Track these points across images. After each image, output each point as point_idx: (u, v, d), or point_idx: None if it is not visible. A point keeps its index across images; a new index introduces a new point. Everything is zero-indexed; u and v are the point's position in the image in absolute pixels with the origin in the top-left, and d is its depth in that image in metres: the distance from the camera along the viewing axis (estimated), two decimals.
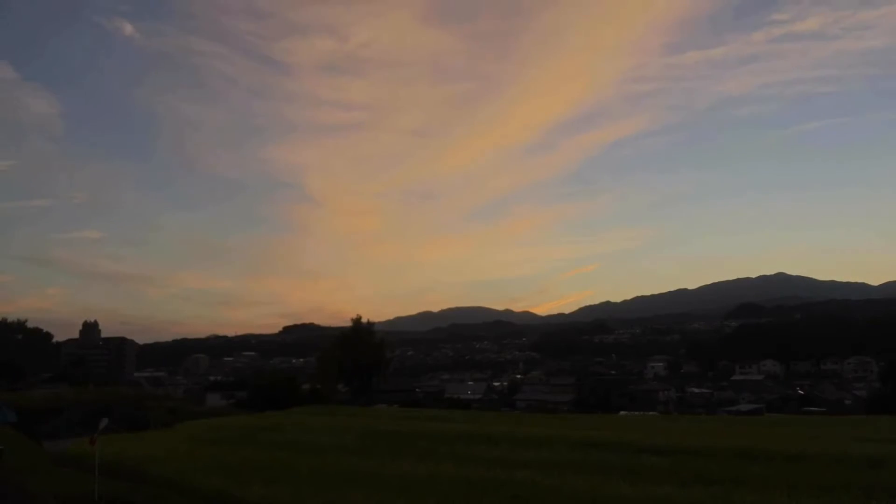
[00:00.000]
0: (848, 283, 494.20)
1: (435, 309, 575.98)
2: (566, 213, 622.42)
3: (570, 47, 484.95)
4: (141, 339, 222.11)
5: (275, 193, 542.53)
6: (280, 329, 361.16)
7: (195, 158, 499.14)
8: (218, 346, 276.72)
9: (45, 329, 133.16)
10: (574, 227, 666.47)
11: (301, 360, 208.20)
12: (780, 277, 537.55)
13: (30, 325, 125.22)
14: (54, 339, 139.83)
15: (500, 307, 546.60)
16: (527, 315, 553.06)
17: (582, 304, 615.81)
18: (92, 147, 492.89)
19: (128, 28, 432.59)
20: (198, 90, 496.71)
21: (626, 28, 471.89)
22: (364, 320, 75.26)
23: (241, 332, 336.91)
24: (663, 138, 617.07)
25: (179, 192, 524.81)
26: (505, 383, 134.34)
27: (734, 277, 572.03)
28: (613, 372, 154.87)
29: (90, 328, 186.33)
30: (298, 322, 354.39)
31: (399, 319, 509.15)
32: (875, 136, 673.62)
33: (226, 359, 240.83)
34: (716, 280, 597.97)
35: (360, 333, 73.88)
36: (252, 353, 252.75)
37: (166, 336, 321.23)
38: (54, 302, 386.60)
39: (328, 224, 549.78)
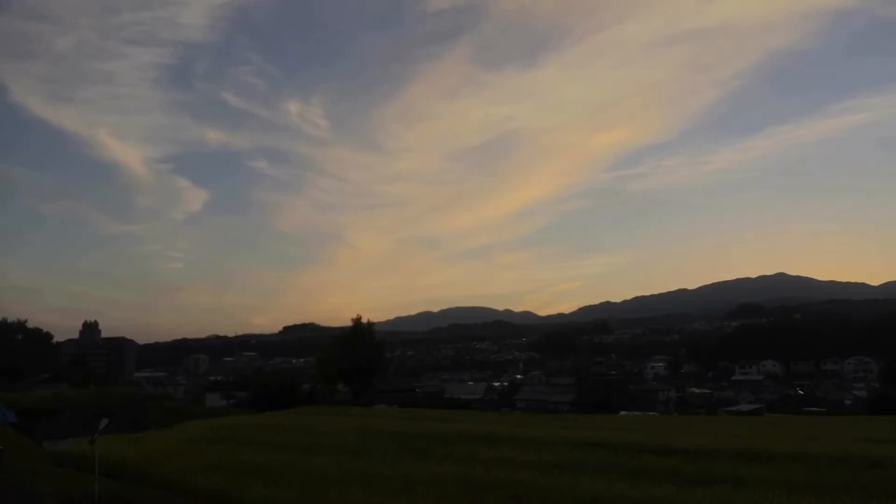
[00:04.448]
0: (848, 283, 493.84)
1: (435, 309, 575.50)
2: (545, 250, 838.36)
3: (534, 171, 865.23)
4: (141, 339, 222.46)
5: (318, 241, 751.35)
6: (280, 329, 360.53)
7: (274, 223, 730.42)
8: (218, 346, 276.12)
9: (45, 329, 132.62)
10: (553, 259, 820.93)
11: (301, 360, 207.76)
12: (780, 277, 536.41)
13: (30, 325, 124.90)
14: (54, 340, 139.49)
15: (500, 307, 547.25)
16: (527, 315, 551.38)
17: (582, 305, 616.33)
18: (210, 217, 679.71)
19: (263, 164, 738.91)
20: (287, 192, 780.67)
21: (565, 161, 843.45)
22: (364, 320, 74.85)
23: (241, 332, 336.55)
24: (607, 209, 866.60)
25: (253, 243, 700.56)
26: (505, 383, 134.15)
27: (734, 277, 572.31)
28: (613, 372, 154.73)
29: (90, 328, 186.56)
30: (298, 322, 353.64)
31: (399, 319, 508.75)
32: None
33: (226, 359, 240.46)
34: (716, 280, 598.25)
35: (359, 333, 73.55)
36: (252, 353, 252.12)
37: (166, 336, 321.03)
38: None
39: (352, 258, 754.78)
